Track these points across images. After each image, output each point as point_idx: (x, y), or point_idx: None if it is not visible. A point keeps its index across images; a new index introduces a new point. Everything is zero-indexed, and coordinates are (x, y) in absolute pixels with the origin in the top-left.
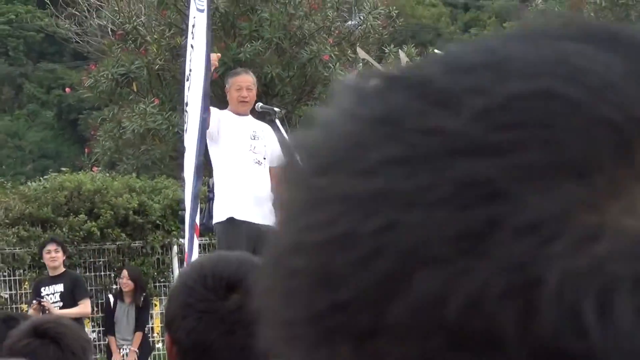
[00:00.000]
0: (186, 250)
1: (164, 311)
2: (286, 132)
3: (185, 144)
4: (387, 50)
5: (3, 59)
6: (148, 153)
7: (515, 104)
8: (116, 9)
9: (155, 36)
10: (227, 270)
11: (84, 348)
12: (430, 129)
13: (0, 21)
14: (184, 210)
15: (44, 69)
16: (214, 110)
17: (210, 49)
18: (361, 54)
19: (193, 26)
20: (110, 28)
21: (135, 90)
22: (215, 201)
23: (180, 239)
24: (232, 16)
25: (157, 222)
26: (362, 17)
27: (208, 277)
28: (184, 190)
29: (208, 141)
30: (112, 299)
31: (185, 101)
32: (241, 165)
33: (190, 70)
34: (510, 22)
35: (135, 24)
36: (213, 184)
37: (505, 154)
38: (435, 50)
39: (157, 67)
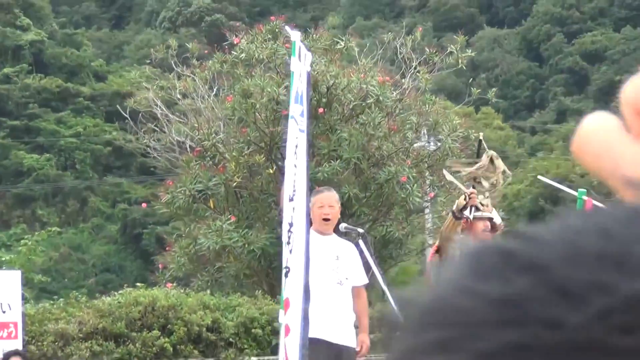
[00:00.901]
0: None
1: None
2: (370, 253)
3: (289, 264)
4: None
5: (69, 172)
6: (222, 270)
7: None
8: (195, 125)
9: (234, 153)
10: None
11: None
12: (553, 322)
13: (69, 134)
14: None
15: (109, 182)
16: None
17: (309, 169)
18: (447, 176)
19: (296, 147)
20: (189, 144)
21: (212, 207)
22: None
23: (252, 357)
24: (311, 135)
25: (230, 339)
26: (440, 140)
27: None
28: (285, 312)
29: None
30: None
31: (289, 221)
32: (324, 286)
33: (294, 190)
34: None
35: (214, 141)
36: None
37: (626, 358)
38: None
39: (234, 184)
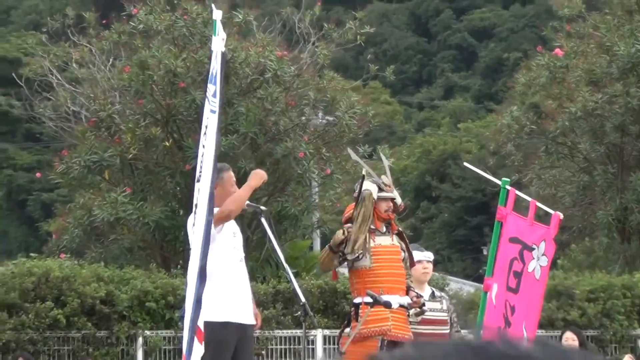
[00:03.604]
0: (184, 352)
1: None
2: (271, 230)
3: (192, 245)
4: (360, 150)
5: None
6: (116, 242)
7: None
8: (91, 95)
9: (130, 125)
10: None
11: None
12: None
13: None
14: (183, 311)
15: None
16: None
17: (219, 150)
18: (352, 155)
19: (206, 127)
20: (84, 114)
21: (107, 178)
22: (208, 299)
23: (146, 331)
24: None
25: (124, 312)
26: (337, 116)
27: None
28: (185, 290)
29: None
30: None
31: (195, 202)
32: (231, 266)
33: (200, 172)
34: (464, 122)
35: (110, 112)
36: None
37: None
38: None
39: (130, 156)
